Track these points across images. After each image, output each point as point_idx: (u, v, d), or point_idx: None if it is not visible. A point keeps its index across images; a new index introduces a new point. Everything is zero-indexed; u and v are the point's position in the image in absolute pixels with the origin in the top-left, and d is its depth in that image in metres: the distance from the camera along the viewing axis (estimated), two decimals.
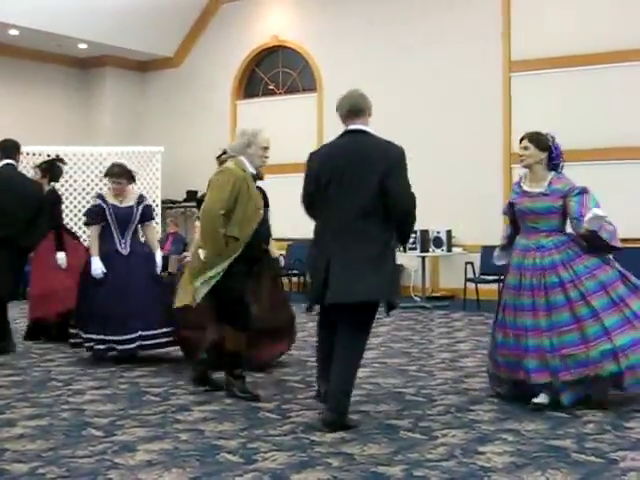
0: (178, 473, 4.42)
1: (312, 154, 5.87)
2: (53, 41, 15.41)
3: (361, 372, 7.13)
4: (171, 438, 5.12)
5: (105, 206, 7.69)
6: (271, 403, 6.08)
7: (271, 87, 16.14)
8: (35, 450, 4.87)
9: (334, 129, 14.86)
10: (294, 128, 15.22)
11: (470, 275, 12.58)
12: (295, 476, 4.37)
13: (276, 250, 7.77)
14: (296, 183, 13.64)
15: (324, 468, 4.51)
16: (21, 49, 15.73)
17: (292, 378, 7.06)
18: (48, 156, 14.64)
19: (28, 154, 14.89)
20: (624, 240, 6.29)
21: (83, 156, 14.21)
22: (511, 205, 6.23)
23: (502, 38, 13.48)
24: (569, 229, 6.05)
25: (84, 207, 13.01)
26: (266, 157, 6.36)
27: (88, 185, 14.41)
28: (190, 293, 6.20)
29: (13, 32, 14.69)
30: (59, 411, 5.79)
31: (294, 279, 14.07)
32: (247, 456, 4.73)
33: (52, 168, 9.14)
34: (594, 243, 5.85)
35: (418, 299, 12.79)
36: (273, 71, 16.12)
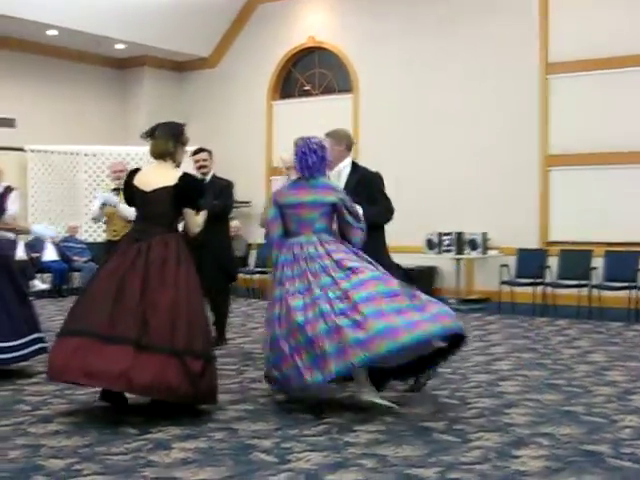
0: (213, 471, 4.44)
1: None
2: (92, 41, 15.49)
3: None
4: (205, 437, 5.14)
5: None
6: (305, 403, 6.08)
7: (307, 88, 16.14)
8: (71, 446, 4.92)
9: (369, 131, 15.00)
10: (329, 129, 15.16)
11: (505, 278, 12.52)
12: (329, 477, 4.38)
13: None
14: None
15: (358, 469, 4.51)
16: (60, 49, 15.85)
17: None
18: (86, 155, 14.82)
19: (66, 153, 15.06)
20: None
21: (119, 155, 14.28)
22: None
23: (539, 40, 13.39)
24: None
25: None
26: None
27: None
28: None
29: (52, 32, 14.80)
30: (94, 408, 5.83)
31: None
32: (281, 456, 4.74)
33: None
34: None
35: (452, 301, 12.73)
36: (309, 72, 16.12)
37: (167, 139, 6.01)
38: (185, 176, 5.97)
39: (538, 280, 12.38)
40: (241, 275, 14.40)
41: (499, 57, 13.71)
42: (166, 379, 5.42)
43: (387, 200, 6.87)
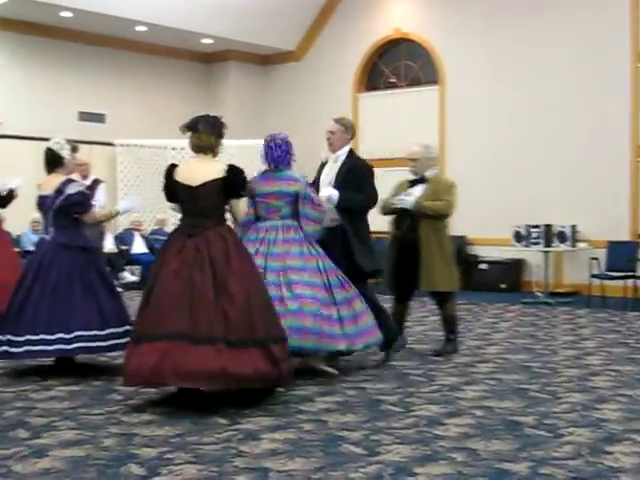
0: (302, 462, 4.46)
1: None
2: (179, 37, 15.70)
3: (484, 367, 7.16)
4: (294, 428, 5.17)
5: None
6: (393, 396, 6.08)
7: (393, 80, 16.08)
8: (163, 436, 4.99)
9: (456, 122, 14.88)
10: (415, 121, 15.14)
11: (595, 271, 12.29)
12: (419, 469, 4.36)
13: None
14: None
15: (448, 463, 4.48)
16: (148, 45, 16.09)
17: (414, 372, 7.03)
18: (173, 149, 15.00)
19: (154, 147, 15.28)
20: None
21: None
22: None
23: (630, 28, 13.10)
24: None
25: None
26: None
27: None
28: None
29: (141, 28, 15.03)
30: (186, 399, 5.88)
31: None
32: (370, 448, 4.74)
33: None
34: None
35: (540, 295, 12.56)
36: (395, 64, 16.05)
37: (210, 133, 6.02)
38: (232, 168, 6.03)
39: (629, 273, 12.13)
40: None
41: (588, 45, 13.47)
42: (259, 369, 5.59)
43: (372, 190, 7.24)
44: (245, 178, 6.11)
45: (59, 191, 6.92)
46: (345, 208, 6.97)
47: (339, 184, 7.09)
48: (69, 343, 6.69)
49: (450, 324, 7.96)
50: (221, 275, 5.71)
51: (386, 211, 7.90)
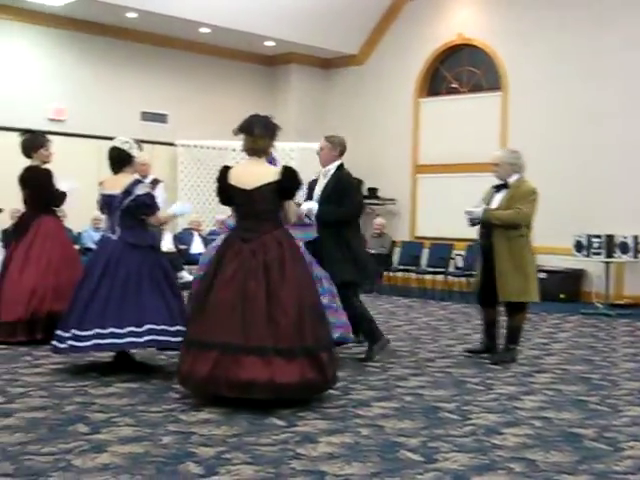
0: (359, 467, 4.45)
1: None
2: (242, 39, 15.78)
3: (542, 378, 7.09)
4: (352, 432, 5.15)
5: None
6: (451, 403, 6.04)
7: (454, 85, 15.99)
8: (220, 435, 5.01)
9: (518, 129, 14.71)
10: (476, 128, 15.05)
11: None
12: (476, 479, 4.32)
13: None
14: (476, 183, 13.48)
15: (506, 473, 4.44)
16: (211, 46, 16.20)
17: (471, 379, 6.97)
18: (233, 150, 15.07)
19: (214, 148, 15.37)
20: None
21: None
22: None
23: None
24: None
25: None
26: None
27: None
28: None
29: (204, 30, 15.14)
30: (241, 399, 5.88)
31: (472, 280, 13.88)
32: (428, 455, 4.71)
33: None
34: None
35: (600, 306, 12.39)
36: (457, 69, 15.96)
37: (266, 136, 6.05)
38: (286, 170, 6.05)
39: None
40: (384, 273, 14.45)
41: None
42: (306, 378, 5.66)
43: (352, 203, 7.57)
44: (299, 180, 6.12)
45: (127, 192, 6.95)
46: (326, 220, 7.34)
47: (323, 198, 7.47)
48: (140, 336, 6.72)
49: (514, 334, 7.86)
50: (275, 283, 5.74)
51: (471, 223, 7.90)
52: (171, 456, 4.56)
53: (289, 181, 6.01)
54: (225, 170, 6.13)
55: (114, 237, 7.02)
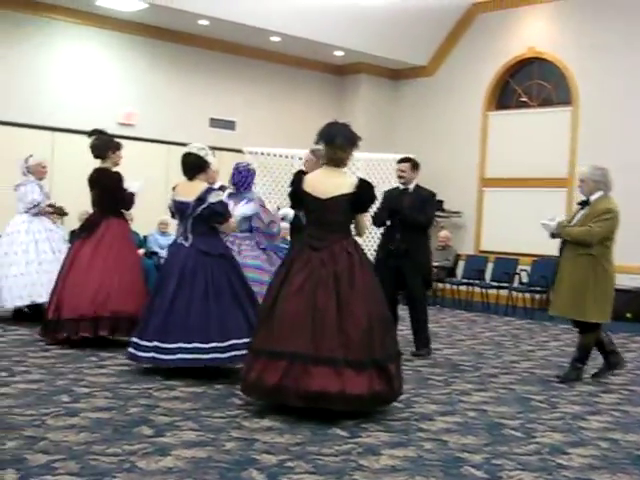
0: None
1: None
2: (311, 48, 15.82)
3: (608, 398, 6.98)
4: (414, 446, 5.12)
5: None
6: (515, 421, 5.96)
7: (524, 99, 15.84)
8: (283, 443, 5.01)
9: (588, 146, 14.47)
10: (545, 142, 14.88)
11: None
12: None
13: None
14: (545, 198, 13.34)
15: None
16: (280, 55, 16.26)
17: (535, 397, 6.88)
18: (300, 159, 15.11)
19: (282, 156, 15.41)
20: None
21: None
22: None
23: None
24: None
25: None
26: None
27: None
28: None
29: (275, 38, 15.21)
30: (304, 408, 5.84)
31: (537, 296, 13.73)
32: (492, 472, 4.65)
33: None
34: None
35: None
36: (527, 83, 15.81)
37: (347, 147, 5.97)
38: (362, 182, 6.01)
39: None
40: (448, 286, 14.36)
41: None
42: (375, 389, 5.63)
43: None
44: (374, 194, 6.07)
45: (200, 199, 6.99)
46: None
47: None
48: (224, 352, 6.78)
49: (582, 353, 7.73)
50: (345, 293, 5.71)
51: (551, 235, 7.86)
52: (234, 462, 4.57)
53: (365, 194, 5.97)
54: (300, 175, 6.12)
55: (186, 244, 7.06)
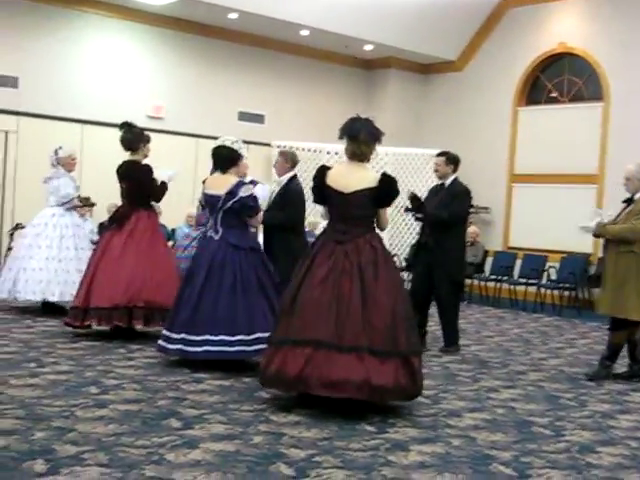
0: (450, 478, 4.40)
1: None
2: (341, 42, 15.77)
3: (637, 397, 6.99)
4: (443, 442, 5.10)
5: None
6: (544, 418, 5.93)
7: (554, 95, 15.72)
8: (311, 438, 5.00)
9: (619, 142, 14.33)
10: (576, 138, 14.77)
11: None
12: None
13: None
14: (575, 194, 13.25)
15: None
16: (310, 48, 16.23)
17: (564, 395, 6.83)
18: (328, 153, 15.10)
19: (310, 150, 15.41)
20: None
21: None
22: None
23: None
24: None
25: None
26: None
27: None
28: None
29: (304, 32, 15.18)
30: (331, 401, 5.78)
31: (565, 293, 13.63)
32: (520, 470, 4.62)
33: None
34: None
35: None
36: (557, 78, 15.69)
37: (370, 142, 5.98)
38: (384, 177, 6.02)
39: None
40: (476, 282, 14.30)
41: None
42: (399, 381, 5.58)
43: (290, 211, 8.02)
44: (396, 188, 6.06)
45: (231, 193, 7.01)
46: (269, 224, 8.03)
47: (271, 205, 8.01)
48: (249, 344, 6.81)
49: (612, 351, 7.66)
50: (369, 285, 5.69)
51: (594, 235, 7.87)
52: (262, 456, 4.56)
53: (387, 189, 5.96)
54: (323, 170, 6.10)
55: (216, 237, 7.08)
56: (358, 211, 5.92)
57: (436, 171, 8.90)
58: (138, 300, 8.09)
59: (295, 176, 8.24)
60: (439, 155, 8.93)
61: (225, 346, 6.77)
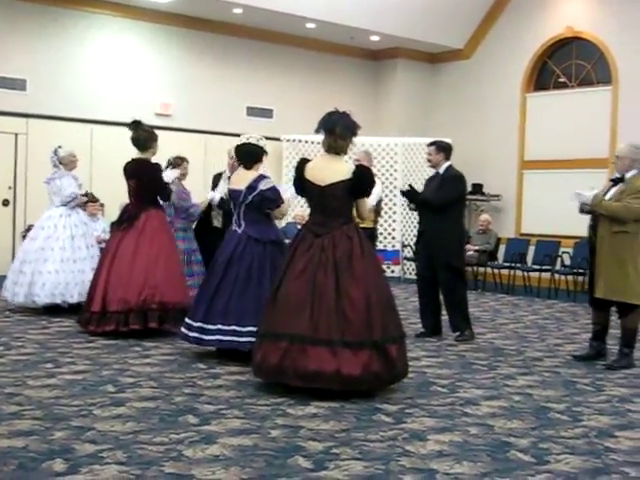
0: (469, 467, 4.39)
1: None
2: (347, 33, 15.75)
3: None
4: (460, 431, 5.09)
5: None
6: (560, 404, 5.91)
7: (562, 80, 15.67)
8: (329, 430, 5.01)
9: (630, 125, 14.27)
10: (585, 123, 14.72)
11: None
12: None
13: None
14: (586, 179, 13.24)
15: (621, 477, 4.33)
16: (316, 41, 16.21)
17: (581, 380, 6.82)
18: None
19: (319, 143, 15.38)
20: None
21: (371, 146, 14.41)
22: None
23: None
24: None
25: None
26: None
27: (380, 172, 14.49)
28: None
29: (310, 25, 15.16)
30: (347, 393, 5.82)
31: (580, 278, 13.57)
32: (539, 456, 4.62)
33: None
34: None
35: None
36: (565, 63, 15.63)
37: (348, 137, 6.19)
38: (358, 168, 6.21)
39: None
40: (489, 270, 14.27)
41: None
42: (372, 370, 5.78)
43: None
44: (372, 179, 6.24)
45: (251, 187, 7.12)
46: None
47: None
48: None
49: (627, 337, 7.52)
50: (343, 278, 5.88)
51: (580, 209, 7.68)
52: (280, 450, 4.57)
53: (361, 180, 6.14)
54: (303, 163, 6.30)
55: (239, 231, 7.23)
56: (335, 203, 6.11)
57: (429, 161, 8.98)
58: (152, 302, 8.13)
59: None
60: (429, 145, 9.03)
61: (235, 336, 6.93)
